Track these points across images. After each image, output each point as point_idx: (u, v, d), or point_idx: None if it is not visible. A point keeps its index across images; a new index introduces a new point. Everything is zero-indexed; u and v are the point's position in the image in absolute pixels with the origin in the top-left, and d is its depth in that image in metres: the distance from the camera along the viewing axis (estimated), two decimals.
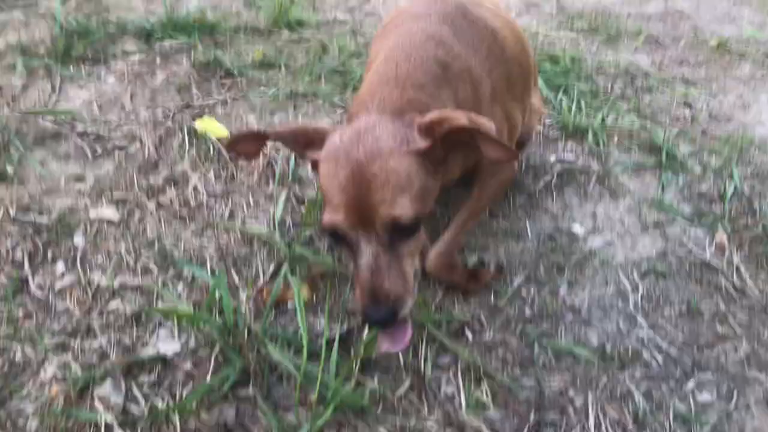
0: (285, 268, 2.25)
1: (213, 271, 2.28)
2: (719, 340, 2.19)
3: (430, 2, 2.09)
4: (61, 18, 3.63)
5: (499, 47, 2.06)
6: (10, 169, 2.71)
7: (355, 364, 2.00)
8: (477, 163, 2.17)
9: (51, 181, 2.68)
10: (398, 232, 1.65)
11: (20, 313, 2.14)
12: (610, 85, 3.50)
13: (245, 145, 1.84)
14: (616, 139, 3.09)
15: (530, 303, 2.26)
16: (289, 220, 2.51)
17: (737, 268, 2.43)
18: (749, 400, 2.00)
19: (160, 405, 1.88)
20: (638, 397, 1.99)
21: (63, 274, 2.30)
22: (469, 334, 2.14)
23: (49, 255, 2.37)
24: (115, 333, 2.08)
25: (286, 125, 1.87)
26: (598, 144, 3.02)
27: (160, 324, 2.12)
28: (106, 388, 1.92)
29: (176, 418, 1.83)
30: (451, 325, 2.16)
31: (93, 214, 2.53)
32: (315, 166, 1.80)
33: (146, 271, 2.31)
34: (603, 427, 1.90)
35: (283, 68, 3.46)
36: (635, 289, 2.34)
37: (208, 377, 1.93)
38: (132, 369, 1.97)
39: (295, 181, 2.69)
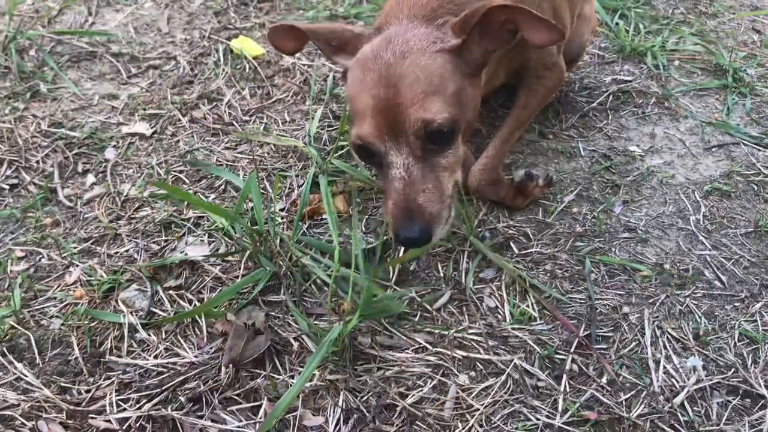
0: (321, 180, 2.13)
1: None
2: None
3: None
4: None
5: None
6: (44, 87, 2.64)
7: (392, 273, 1.88)
8: (522, 67, 2.02)
9: (84, 99, 2.61)
10: (432, 141, 1.52)
11: (48, 221, 2.07)
12: (671, 10, 3.26)
13: (284, 39, 1.77)
14: (677, 62, 2.87)
15: (581, 220, 2.11)
16: (325, 135, 2.39)
17: None
18: None
19: (187, 307, 1.79)
20: (699, 315, 1.82)
21: (93, 186, 2.22)
22: (515, 248, 2.00)
23: (80, 168, 2.30)
24: (143, 239, 2.00)
25: (323, 24, 1.76)
26: (657, 67, 2.81)
27: (189, 232, 2.03)
28: (131, 292, 1.84)
29: (203, 320, 1.74)
30: (494, 239, 2.01)
31: (125, 129, 2.45)
32: (345, 75, 1.71)
33: (177, 182, 2.22)
34: (660, 344, 1.75)
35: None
36: (697, 208, 2.16)
37: (238, 281, 1.82)
38: (159, 273, 1.89)
39: (332, 97, 2.56)
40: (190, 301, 1.81)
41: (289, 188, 2.19)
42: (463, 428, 1.54)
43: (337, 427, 1.54)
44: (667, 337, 1.77)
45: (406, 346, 1.71)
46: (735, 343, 1.76)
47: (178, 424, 1.53)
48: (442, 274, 1.92)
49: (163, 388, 1.60)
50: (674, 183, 2.26)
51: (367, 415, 1.55)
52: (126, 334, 1.72)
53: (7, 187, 2.21)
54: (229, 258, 1.92)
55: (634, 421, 1.57)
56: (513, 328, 1.77)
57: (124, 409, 1.56)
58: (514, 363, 1.67)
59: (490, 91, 2.25)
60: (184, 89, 2.65)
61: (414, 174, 1.52)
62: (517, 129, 2.08)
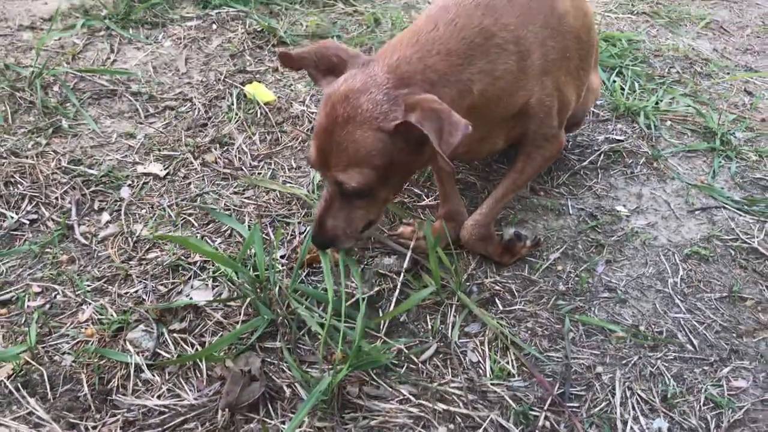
0: None
1: (250, 228, 2.32)
2: (761, 329, 2.12)
3: None
4: None
5: (557, 18, 2.00)
6: (65, 123, 2.80)
7: (382, 324, 2.01)
8: (522, 135, 2.14)
9: (103, 137, 2.76)
10: (347, 193, 1.80)
11: (64, 258, 2.22)
12: (666, 69, 3.40)
13: (288, 61, 1.89)
14: (668, 122, 3.00)
15: (565, 278, 2.23)
16: None
17: None
18: None
19: (190, 351, 1.93)
20: (669, 378, 1.94)
21: (107, 224, 2.37)
22: (500, 304, 2.13)
23: (96, 205, 2.44)
24: (152, 281, 2.14)
25: (316, 44, 1.88)
26: (649, 127, 2.95)
27: (195, 275, 2.17)
28: (138, 332, 1.97)
29: (203, 364, 1.87)
30: (481, 294, 2.14)
31: (140, 169, 2.60)
32: None
33: (187, 224, 2.36)
34: (629, 404, 1.87)
35: (335, 39, 3.47)
36: (676, 271, 2.28)
37: (238, 327, 1.96)
38: (165, 315, 2.02)
39: None
40: (192, 345, 1.95)
41: (291, 235, 2.33)
42: None
43: None
44: (637, 398, 1.89)
45: (391, 397, 1.83)
46: (700, 407, 1.87)
47: None
48: (429, 327, 2.05)
49: (165, 428, 1.73)
50: (656, 245, 2.38)
51: None
52: (132, 373, 1.86)
53: (28, 222, 2.36)
54: (231, 303, 2.05)
55: None
56: (492, 383, 1.89)
57: None
58: (491, 418, 1.80)
59: (489, 154, 2.37)
60: (198, 131, 2.80)
61: (333, 203, 1.85)
62: (511, 191, 2.21)
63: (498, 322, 2.05)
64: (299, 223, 2.36)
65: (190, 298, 2.06)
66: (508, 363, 1.95)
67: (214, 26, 3.54)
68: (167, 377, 1.86)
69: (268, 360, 1.91)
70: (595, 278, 2.24)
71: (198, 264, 2.20)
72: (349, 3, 3.84)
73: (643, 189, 2.63)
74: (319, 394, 1.71)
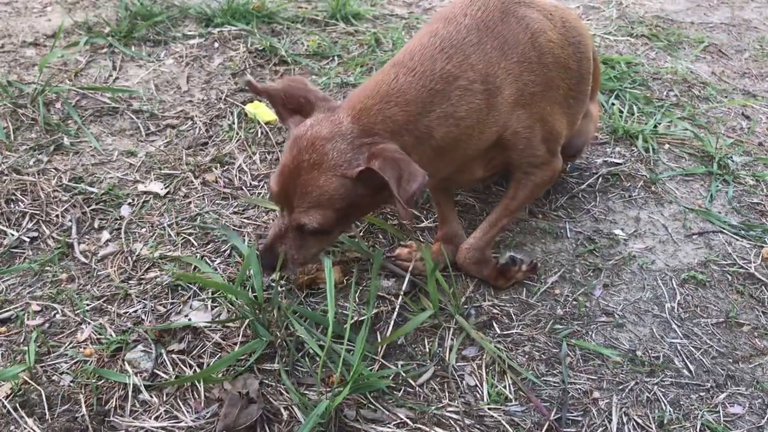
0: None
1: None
2: (757, 354, 2.13)
3: (472, 1, 2.04)
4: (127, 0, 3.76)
5: (537, 51, 2.01)
6: (67, 141, 2.82)
7: (380, 348, 2.02)
8: (507, 163, 2.15)
9: (104, 155, 2.78)
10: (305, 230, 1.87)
11: (64, 276, 2.23)
12: (665, 92, 3.42)
13: (254, 90, 1.94)
14: (666, 146, 3.02)
15: (562, 302, 2.24)
16: None
17: None
18: None
19: (188, 372, 1.93)
20: (665, 403, 1.95)
21: (107, 242, 2.38)
22: (497, 328, 2.13)
23: (96, 224, 2.45)
24: (151, 301, 2.15)
25: (284, 81, 1.93)
26: (647, 150, 2.97)
27: (194, 295, 2.17)
28: (137, 353, 1.98)
29: (201, 386, 1.88)
30: (479, 318, 2.15)
31: (141, 187, 2.61)
32: None
33: (186, 243, 2.37)
34: (625, 430, 1.87)
35: (336, 59, 3.50)
36: (673, 296, 2.29)
37: (236, 349, 1.97)
38: (163, 336, 2.03)
39: None
40: (190, 366, 1.95)
41: None
42: None
43: None
44: (633, 423, 1.89)
45: (388, 421, 1.84)
46: None
47: None
48: (427, 349, 2.06)
49: None
50: (654, 269, 2.40)
51: None
52: (130, 394, 1.86)
53: (28, 239, 2.37)
54: (230, 324, 2.06)
55: None
56: (489, 408, 1.90)
57: None
58: None
59: (471, 183, 2.39)
60: (199, 150, 2.82)
61: (286, 233, 1.90)
62: (505, 216, 2.22)
63: (495, 346, 2.06)
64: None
65: (189, 319, 2.07)
66: (505, 387, 1.96)
67: (216, 45, 3.56)
68: (165, 398, 1.87)
69: (266, 382, 1.91)
70: (592, 302, 2.26)
71: (197, 284, 2.20)
72: (350, 23, 3.88)
73: (641, 213, 2.65)
74: (316, 418, 1.72)
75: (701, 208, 2.67)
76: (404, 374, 1.96)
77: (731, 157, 2.96)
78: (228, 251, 2.34)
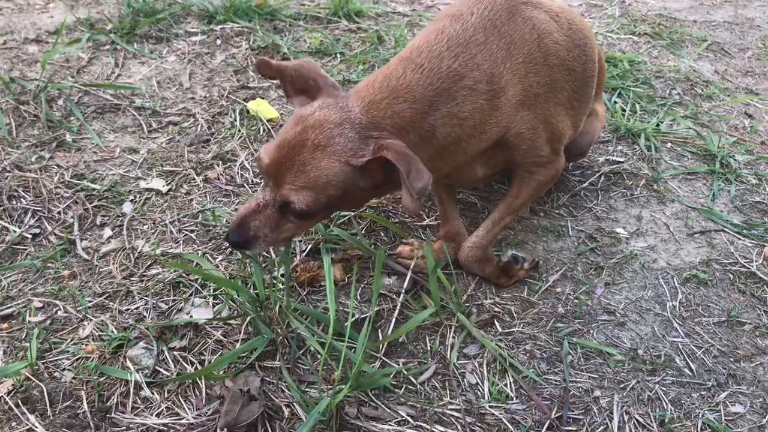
0: (321, 248, 2.28)
1: None
2: (759, 354, 2.13)
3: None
4: None
5: (543, 52, 2.01)
6: (69, 137, 2.82)
7: (381, 346, 2.02)
8: (509, 162, 2.15)
9: (106, 152, 2.78)
10: (288, 210, 1.81)
11: (65, 273, 2.23)
12: (668, 91, 3.42)
13: (265, 69, 1.92)
14: (669, 144, 3.02)
15: (564, 300, 2.24)
16: None
17: None
18: None
19: (189, 369, 1.93)
20: (666, 402, 1.95)
21: (109, 239, 2.38)
22: (499, 326, 2.13)
23: (98, 220, 2.45)
24: (153, 298, 2.15)
25: (298, 61, 1.92)
26: (649, 148, 2.96)
27: (196, 293, 2.18)
28: (138, 349, 1.98)
29: (202, 383, 1.88)
30: (480, 316, 2.15)
31: (143, 184, 2.61)
32: None
33: (188, 241, 2.38)
34: (627, 430, 1.87)
35: (338, 56, 3.50)
36: (674, 295, 2.29)
37: (237, 346, 1.97)
38: (165, 333, 2.03)
39: None
40: (192, 363, 1.96)
41: (291, 253, 2.34)
42: None
43: None
44: (634, 422, 1.89)
45: (389, 419, 1.84)
46: None
47: None
48: (429, 348, 2.06)
49: None
50: (655, 267, 2.39)
51: None
52: (132, 390, 1.87)
53: (30, 236, 2.37)
54: (231, 322, 2.06)
55: None
56: (490, 406, 1.90)
57: None
58: None
59: (473, 182, 2.39)
60: (201, 147, 2.82)
61: (265, 208, 1.83)
62: (507, 215, 2.21)
63: (497, 344, 2.06)
64: (300, 241, 2.37)
65: (191, 316, 2.07)
66: (506, 385, 1.96)
67: (218, 42, 3.56)
68: (166, 395, 1.87)
69: (268, 379, 1.91)
70: (594, 301, 2.25)
71: (199, 281, 2.20)
72: (353, 20, 3.87)
73: (642, 211, 2.64)
74: (317, 415, 1.72)
75: (703, 207, 2.67)
76: (405, 372, 1.96)
77: (734, 155, 2.96)
78: (229, 249, 2.34)
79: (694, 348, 2.12)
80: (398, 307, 2.14)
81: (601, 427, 1.87)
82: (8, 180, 2.55)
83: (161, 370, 1.94)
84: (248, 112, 3.01)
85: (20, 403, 1.82)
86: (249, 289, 2.09)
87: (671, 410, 1.93)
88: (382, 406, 1.87)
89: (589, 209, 2.63)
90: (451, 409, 1.88)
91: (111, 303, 2.14)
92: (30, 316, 2.08)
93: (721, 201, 2.73)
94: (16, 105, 2.94)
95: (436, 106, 1.85)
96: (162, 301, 2.14)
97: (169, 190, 2.60)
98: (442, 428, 1.83)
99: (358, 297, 2.17)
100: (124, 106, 3.04)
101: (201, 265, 2.21)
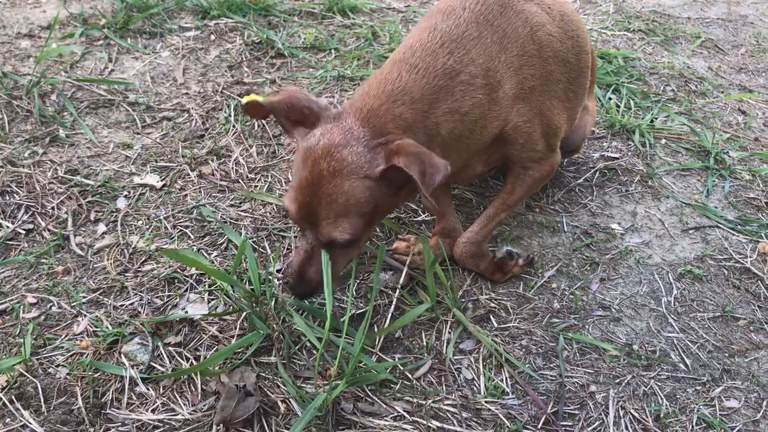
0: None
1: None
2: (753, 349, 2.14)
3: None
4: None
5: (537, 45, 2.01)
6: (62, 133, 2.80)
7: (378, 340, 2.02)
8: (506, 158, 2.14)
9: (100, 147, 2.76)
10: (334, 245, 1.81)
11: (59, 269, 2.22)
12: (662, 87, 3.42)
13: (255, 110, 1.89)
14: (663, 140, 3.03)
15: (559, 296, 2.24)
16: None
17: None
18: None
19: (185, 364, 1.93)
20: (661, 397, 1.95)
21: (103, 235, 2.37)
22: (494, 322, 2.13)
23: (92, 216, 2.44)
24: (147, 294, 2.14)
25: (285, 93, 1.88)
26: (644, 144, 2.97)
27: (191, 288, 2.17)
28: (133, 345, 1.97)
29: (198, 378, 1.87)
30: (476, 311, 2.15)
31: (137, 180, 2.60)
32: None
33: (183, 236, 2.37)
34: (622, 425, 1.88)
35: (332, 52, 3.49)
36: (669, 290, 2.30)
37: (233, 341, 1.96)
38: (160, 329, 2.02)
39: None
40: (187, 358, 1.95)
41: (287, 249, 2.33)
42: None
43: None
44: (630, 417, 1.90)
45: (385, 414, 1.84)
46: (692, 427, 1.89)
47: None
48: (425, 343, 2.06)
49: None
50: (650, 263, 2.40)
51: None
52: (127, 386, 1.86)
53: (23, 231, 2.35)
54: (227, 317, 2.06)
55: None
56: (486, 401, 1.90)
57: None
58: None
59: (471, 179, 2.38)
60: (195, 143, 2.81)
61: (314, 253, 1.84)
62: (502, 211, 2.21)
63: (492, 340, 2.06)
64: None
65: (186, 312, 2.06)
66: (502, 381, 1.96)
67: (213, 37, 3.55)
68: (162, 391, 1.86)
69: (263, 375, 1.91)
70: (589, 296, 2.26)
71: (194, 277, 2.20)
72: (347, 16, 3.86)
73: (637, 207, 2.65)
74: (314, 410, 1.72)
75: (698, 203, 2.67)
76: (402, 367, 1.96)
77: (727, 152, 2.97)
78: (225, 244, 2.33)
79: (688, 343, 2.13)
80: (394, 303, 2.14)
81: (597, 422, 1.88)
82: (1, 175, 2.53)
83: (156, 365, 1.93)
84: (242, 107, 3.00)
85: (14, 399, 1.81)
86: (245, 284, 2.08)
87: (666, 405, 1.93)
88: (378, 401, 1.87)
89: (584, 205, 2.64)
90: (447, 404, 1.88)
91: (105, 299, 2.13)
92: (24, 312, 2.07)
93: (716, 197, 2.73)
94: (9, 100, 2.92)
95: (437, 104, 1.84)
96: (157, 297, 2.13)
97: (164, 185, 2.59)
98: (438, 423, 1.83)
99: (354, 293, 2.17)
100: (117, 101, 3.02)
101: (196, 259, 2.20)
